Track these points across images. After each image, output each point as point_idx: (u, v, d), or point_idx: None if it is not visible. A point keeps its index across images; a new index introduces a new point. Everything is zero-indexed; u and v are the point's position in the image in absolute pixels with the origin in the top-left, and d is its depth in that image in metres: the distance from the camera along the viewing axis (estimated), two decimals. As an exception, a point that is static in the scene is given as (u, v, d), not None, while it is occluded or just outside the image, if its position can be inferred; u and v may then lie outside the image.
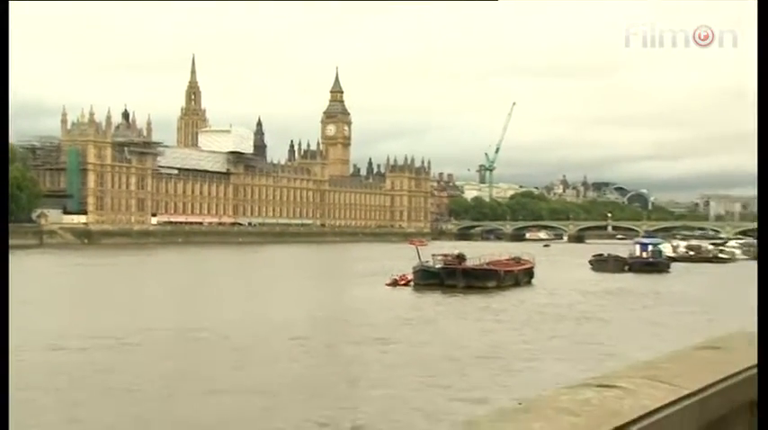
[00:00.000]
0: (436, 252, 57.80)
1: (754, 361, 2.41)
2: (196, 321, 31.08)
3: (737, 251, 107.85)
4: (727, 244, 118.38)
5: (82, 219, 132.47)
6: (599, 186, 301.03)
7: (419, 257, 52.44)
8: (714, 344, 4.03)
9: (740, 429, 3.54)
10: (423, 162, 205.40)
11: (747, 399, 3.14)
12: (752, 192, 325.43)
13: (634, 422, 2.43)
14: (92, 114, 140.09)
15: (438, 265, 51.56)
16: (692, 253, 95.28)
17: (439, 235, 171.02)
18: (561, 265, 68.60)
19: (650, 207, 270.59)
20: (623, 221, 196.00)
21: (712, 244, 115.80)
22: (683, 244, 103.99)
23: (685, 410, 2.74)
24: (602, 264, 71.64)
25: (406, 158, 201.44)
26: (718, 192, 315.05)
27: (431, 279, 49.24)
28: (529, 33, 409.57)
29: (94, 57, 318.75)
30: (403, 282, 50.12)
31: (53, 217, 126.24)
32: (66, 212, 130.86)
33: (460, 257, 53.19)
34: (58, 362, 22.66)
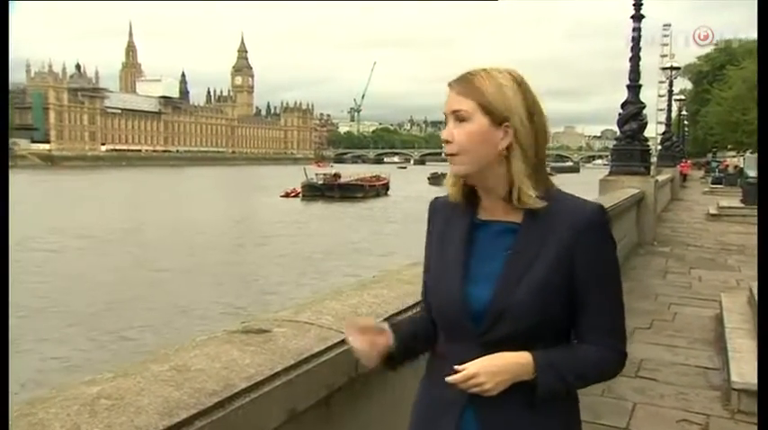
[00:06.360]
0: (319, 171, 57.40)
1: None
2: (134, 222, 29.80)
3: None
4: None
5: (46, 146, 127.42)
6: (435, 124, 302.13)
7: (306, 175, 51.73)
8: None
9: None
10: (308, 105, 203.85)
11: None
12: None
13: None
14: (50, 65, 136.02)
15: (320, 182, 51.09)
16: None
17: (321, 159, 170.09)
18: (409, 181, 69.20)
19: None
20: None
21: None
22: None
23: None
24: (436, 179, 72.88)
25: (296, 102, 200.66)
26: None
27: (315, 191, 48.53)
28: (389, 16, 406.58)
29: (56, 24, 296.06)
30: (293, 194, 49.32)
31: (23, 145, 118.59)
32: (33, 141, 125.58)
33: (336, 175, 53.01)
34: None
